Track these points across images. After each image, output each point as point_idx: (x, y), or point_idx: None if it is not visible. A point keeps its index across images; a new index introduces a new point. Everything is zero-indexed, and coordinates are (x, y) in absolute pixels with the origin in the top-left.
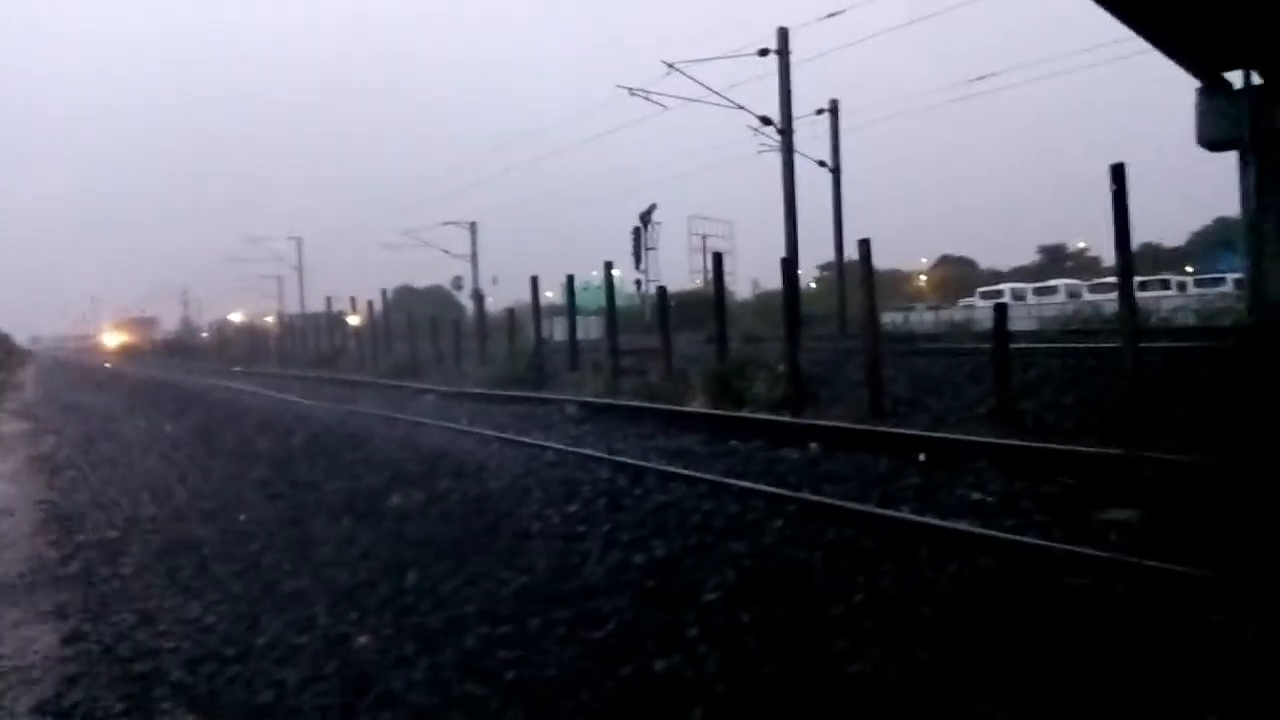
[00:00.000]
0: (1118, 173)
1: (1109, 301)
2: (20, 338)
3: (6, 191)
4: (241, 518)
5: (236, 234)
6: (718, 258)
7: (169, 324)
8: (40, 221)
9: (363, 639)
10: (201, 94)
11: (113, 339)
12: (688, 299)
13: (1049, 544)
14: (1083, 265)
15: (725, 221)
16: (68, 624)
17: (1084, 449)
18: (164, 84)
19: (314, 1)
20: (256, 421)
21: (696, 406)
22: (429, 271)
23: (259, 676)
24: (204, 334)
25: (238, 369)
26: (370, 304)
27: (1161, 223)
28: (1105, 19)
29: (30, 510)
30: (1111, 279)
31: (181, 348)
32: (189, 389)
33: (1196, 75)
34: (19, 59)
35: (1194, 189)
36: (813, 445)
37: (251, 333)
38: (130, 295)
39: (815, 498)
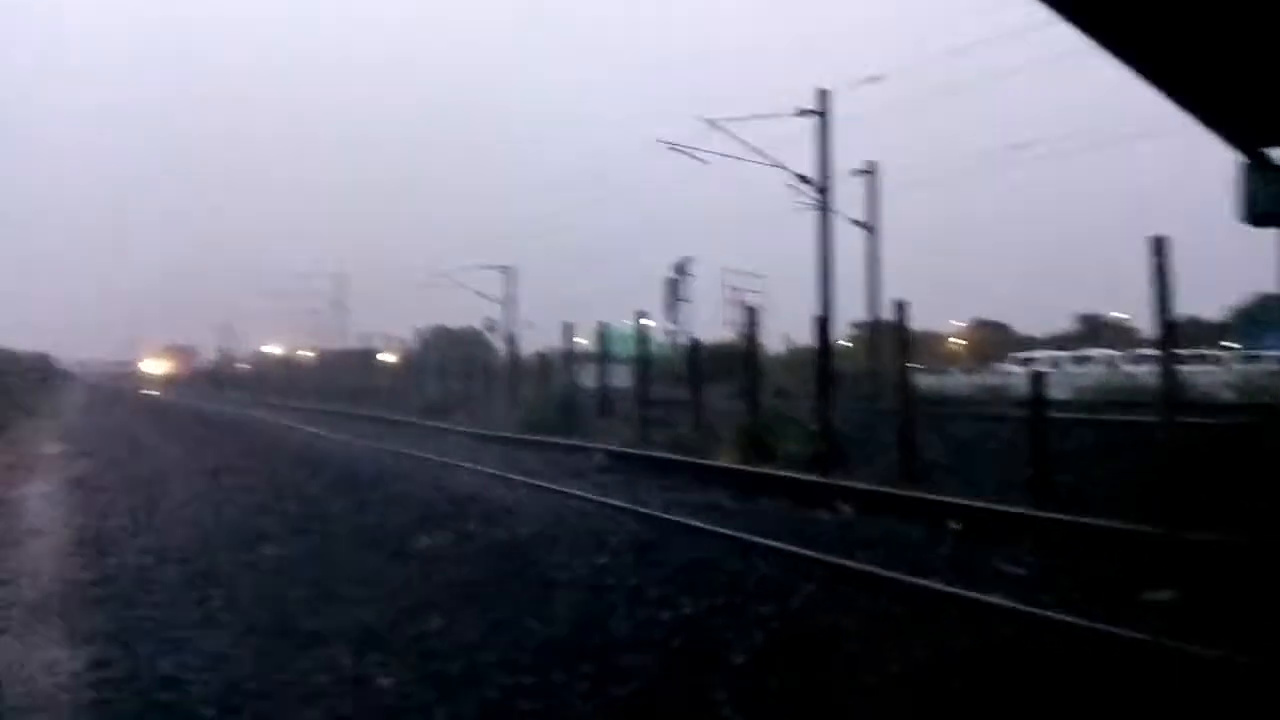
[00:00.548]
0: (1159, 245)
1: (1146, 373)
2: (65, 362)
3: (46, 218)
4: (269, 551)
5: (278, 268)
6: (751, 311)
7: (207, 354)
8: (82, 248)
9: (384, 681)
10: (247, 130)
11: (153, 367)
12: (719, 351)
13: (1085, 622)
14: (1120, 335)
15: (759, 276)
16: (94, 649)
17: (1122, 525)
18: (208, 118)
19: (358, 48)
20: (289, 455)
21: (725, 461)
22: (463, 313)
23: (279, 715)
24: (242, 365)
25: (274, 401)
26: (404, 343)
27: (1200, 295)
28: (1147, 93)
29: (64, 532)
30: (1149, 350)
31: (219, 378)
32: (224, 419)
33: (1239, 150)
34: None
35: (1234, 263)
36: (844, 507)
37: (288, 365)
38: (172, 325)
39: (846, 562)
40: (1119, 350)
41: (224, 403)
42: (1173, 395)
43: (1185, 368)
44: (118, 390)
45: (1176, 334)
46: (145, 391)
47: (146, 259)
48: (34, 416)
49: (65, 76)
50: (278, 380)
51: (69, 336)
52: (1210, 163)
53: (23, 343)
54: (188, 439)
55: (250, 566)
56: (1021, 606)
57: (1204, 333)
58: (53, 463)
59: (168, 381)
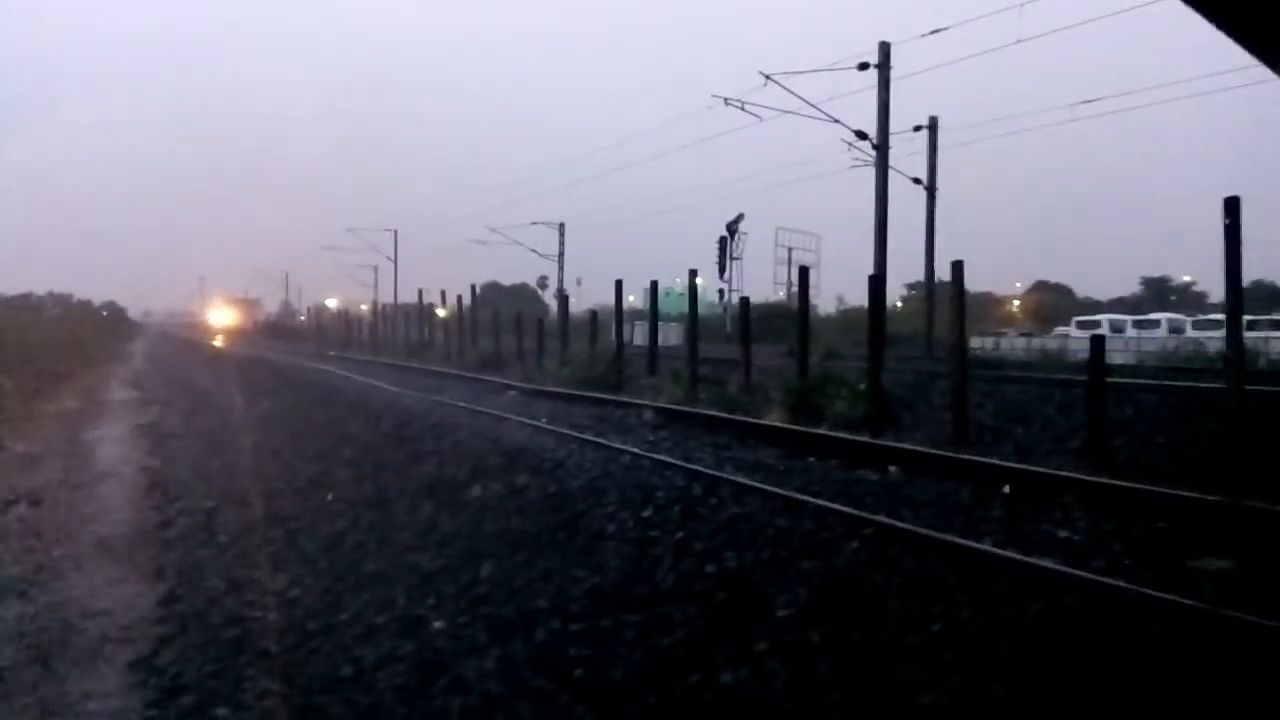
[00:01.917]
0: (1231, 206)
1: (1214, 339)
2: (132, 313)
3: (117, 174)
4: (329, 496)
5: (337, 223)
6: (803, 271)
7: (270, 307)
8: (153, 203)
9: (438, 623)
10: (315, 88)
11: (220, 317)
12: (770, 311)
13: (1137, 588)
14: (1187, 300)
15: (812, 235)
16: (164, 586)
17: (1179, 492)
18: (278, 75)
19: (424, 13)
20: (347, 405)
21: (774, 420)
22: (516, 270)
23: (339, 652)
24: (301, 318)
25: (332, 353)
26: (459, 298)
27: (1274, 258)
28: (1226, 45)
29: (135, 474)
30: (1217, 315)
31: (280, 330)
32: (286, 370)
33: None
34: (133, 31)
35: None
36: (892, 468)
37: (346, 319)
38: (234, 277)
39: (893, 522)
40: (1186, 314)
41: (284, 354)
42: (1241, 361)
43: (1256, 333)
44: (183, 340)
45: (1245, 298)
46: (211, 342)
47: (210, 214)
48: (107, 364)
49: (127, 32)
50: (336, 333)
51: (135, 287)
52: None
53: (95, 293)
54: (250, 389)
55: (311, 511)
56: (1070, 570)
57: (1277, 297)
58: (124, 409)
59: (232, 333)
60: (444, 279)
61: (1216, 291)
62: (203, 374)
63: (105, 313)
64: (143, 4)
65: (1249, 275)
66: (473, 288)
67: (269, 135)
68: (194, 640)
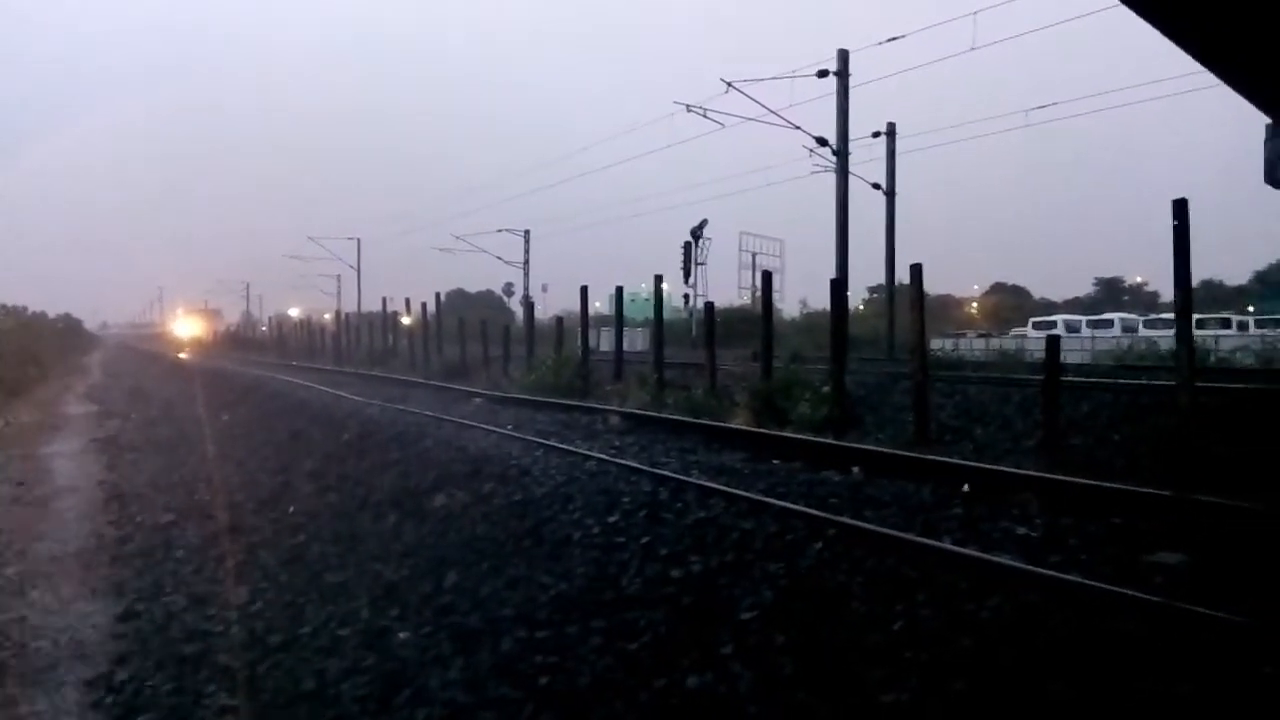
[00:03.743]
0: (1180, 208)
1: (1165, 337)
2: (89, 324)
3: (73, 183)
4: (291, 509)
5: (298, 232)
6: (766, 276)
7: (231, 317)
8: (108, 214)
9: (402, 634)
10: (269, 92)
11: (184, 327)
12: (735, 315)
13: (1093, 583)
14: (1140, 299)
15: (776, 240)
16: (123, 602)
17: (1133, 488)
18: (230, 80)
19: (379, 13)
20: (310, 416)
21: (739, 424)
22: (481, 277)
23: (302, 665)
24: (263, 328)
25: (295, 364)
26: (424, 306)
27: (1222, 259)
28: (1173, 52)
29: (93, 489)
30: (1169, 314)
31: (241, 341)
32: (247, 381)
33: (1267, 112)
34: (90, 50)
35: (1258, 227)
36: (855, 469)
37: (309, 329)
38: (194, 287)
39: (856, 522)
40: (1139, 314)
41: (245, 365)
42: (1192, 359)
43: (1205, 332)
44: (143, 353)
45: (1194, 298)
46: (174, 354)
47: (169, 225)
48: (65, 378)
49: (80, 46)
50: (298, 343)
51: (92, 299)
52: (1240, 126)
53: (49, 305)
54: (211, 401)
55: (273, 523)
56: (1028, 566)
57: (1226, 297)
58: (83, 423)
59: (196, 344)
60: (409, 287)
61: (1168, 291)
62: (160, 386)
63: (60, 325)
64: (97, 18)
65: (1198, 275)
66: (437, 295)
67: (227, 143)
68: (153, 657)
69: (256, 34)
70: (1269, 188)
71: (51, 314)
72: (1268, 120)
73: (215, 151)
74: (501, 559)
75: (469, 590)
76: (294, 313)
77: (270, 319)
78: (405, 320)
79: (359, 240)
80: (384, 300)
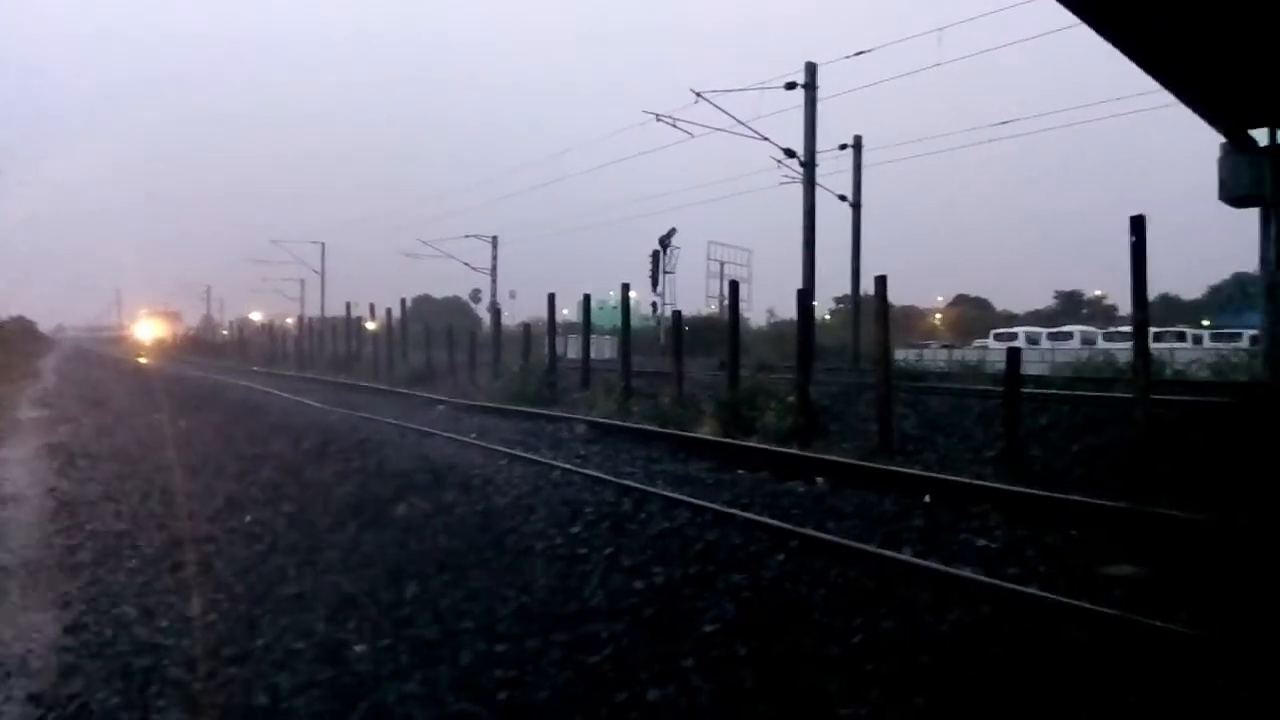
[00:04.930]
0: (1137, 224)
1: (1123, 350)
2: (43, 327)
3: (31, 182)
4: (248, 518)
5: (260, 235)
6: (734, 286)
7: (191, 320)
8: (64, 214)
9: (359, 648)
10: (231, 93)
11: (146, 330)
12: (702, 324)
13: (1051, 596)
14: (1099, 312)
15: (743, 249)
16: (70, 613)
17: (1091, 500)
18: (192, 82)
19: (352, 17)
20: (270, 423)
21: (706, 433)
22: (448, 282)
23: (255, 679)
24: (224, 332)
25: (256, 368)
26: (389, 311)
27: (1179, 273)
28: (1132, 72)
29: (42, 498)
30: (1126, 327)
31: (202, 344)
32: (206, 386)
33: (1221, 130)
34: (50, 49)
35: (1213, 242)
36: (819, 479)
37: (271, 333)
38: (154, 290)
39: (818, 534)
40: (1098, 327)
41: (205, 370)
42: (1148, 373)
43: (1162, 345)
44: (100, 355)
45: (1151, 312)
46: (134, 358)
47: (128, 228)
48: (16, 381)
49: (59, 45)
50: (260, 348)
51: (48, 300)
52: (1195, 143)
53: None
54: (168, 406)
55: (229, 533)
56: (987, 579)
57: (1182, 311)
58: (33, 428)
59: (158, 347)
60: (374, 292)
61: (1126, 304)
62: (115, 390)
63: (12, 328)
64: (42, 27)
65: (1157, 289)
66: (403, 301)
67: (189, 145)
68: (101, 670)
69: (220, 41)
70: (1224, 203)
71: (2, 316)
72: (1222, 139)
73: (176, 155)
74: (462, 570)
75: (428, 602)
76: (256, 317)
77: (231, 323)
78: (370, 325)
79: (323, 244)
80: (348, 305)
